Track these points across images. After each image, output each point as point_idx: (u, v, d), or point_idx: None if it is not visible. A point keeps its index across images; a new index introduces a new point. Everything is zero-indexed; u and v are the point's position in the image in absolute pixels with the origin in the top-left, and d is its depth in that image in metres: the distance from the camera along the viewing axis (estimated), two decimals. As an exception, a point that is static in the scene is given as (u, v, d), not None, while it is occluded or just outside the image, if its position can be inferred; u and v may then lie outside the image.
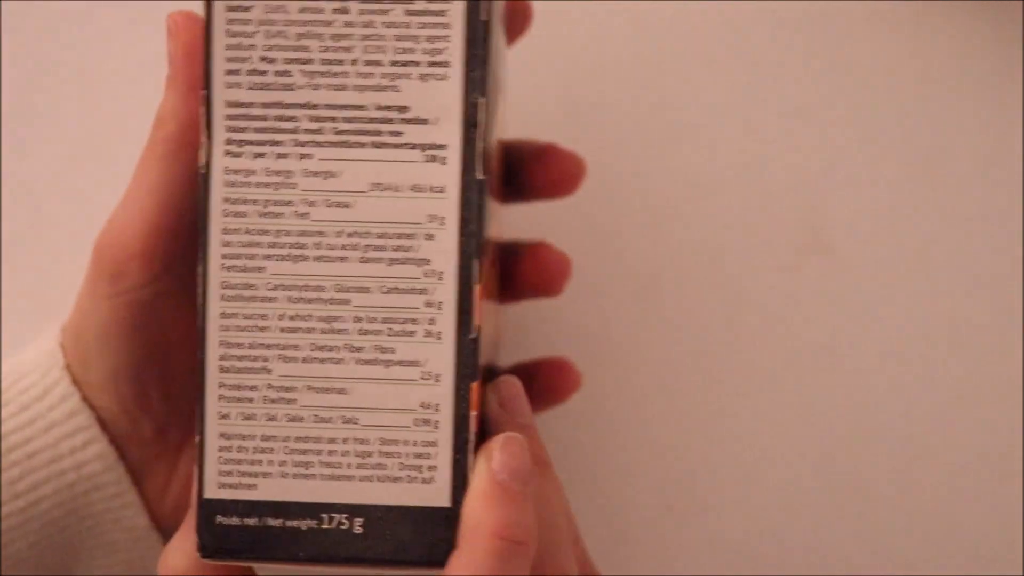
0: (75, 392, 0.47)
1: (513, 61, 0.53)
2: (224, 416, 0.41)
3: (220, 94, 0.41)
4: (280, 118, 0.41)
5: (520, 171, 0.51)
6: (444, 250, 0.41)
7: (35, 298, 0.56)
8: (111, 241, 0.45)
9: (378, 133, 0.41)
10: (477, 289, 0.41)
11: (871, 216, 0.57)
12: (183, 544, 0.42)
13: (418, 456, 0.41)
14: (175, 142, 0.43)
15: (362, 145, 0.41)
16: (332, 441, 0.41)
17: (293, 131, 0.41)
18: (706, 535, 0.57)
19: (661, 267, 0.57)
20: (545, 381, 0.52)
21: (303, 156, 0.41)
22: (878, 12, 0.57)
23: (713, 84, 0.57)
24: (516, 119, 0.55)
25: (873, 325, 0.57)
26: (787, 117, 0.57)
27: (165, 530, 0.48)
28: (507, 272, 0.51)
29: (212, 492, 0.41)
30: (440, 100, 0.41)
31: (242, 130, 0.41)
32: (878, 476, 0.56)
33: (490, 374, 0.47)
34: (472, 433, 0.41)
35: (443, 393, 0.41)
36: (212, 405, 0.41)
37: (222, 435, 0.41)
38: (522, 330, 0.57)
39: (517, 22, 0.51)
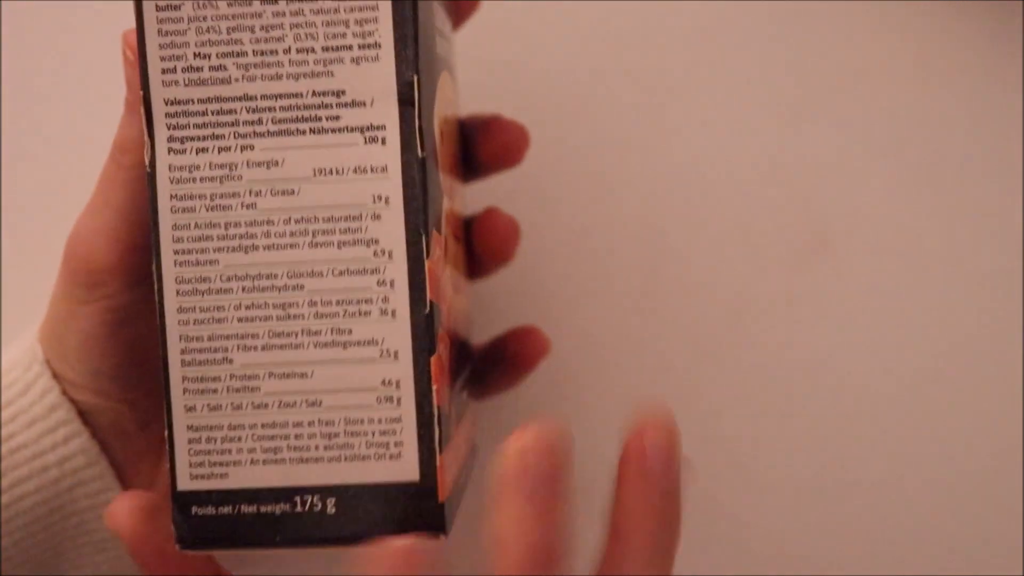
0: (55, 386, 0.48)
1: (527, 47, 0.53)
2: (190, 408, 0.42)
3: (158, 93, 0.42)
4: (219, 112, 0.42)
5: (469, 146, 0.51)
6: (391, 229, 0.41)
7: (33, 298, 0.56)
8: (84, 254, 0.45)
9: (317, 119, 0.41)
10: (427, 264, 0.41)
11: (871, 216, 0.56)
12: None
13: (383, 433, 0.42)
14: (141, 168, 0.44)
15: (302, 132, 0.41)
16: (298, 425, 0.42)
17: (233, 124, 0.42)
18: (704, 536, 0.57)
19: (661, 268, 0.57)
20: (514, 349, 0.52)
21: (245, 148, 0.42)
22: (878, 12, 0.56)
23: (713, 84, 0.57)
24: (520, 113, 0.55)
25: (873, 324, 0.56)
26: (787, 116, 0.56)
27: None
28: (467, 246, 0.52)
29: (185, 484, 0.42)
30: (374, 81, 0.41)
31: (183, 127, 0.42)
32: (878, 476, 0.56)
33: (464, 350, 0.48)
34: (435, 406, 0.41)
35: (403, 369, 0.42)
36: (177, 399, 0.42)
37: (190, 427, 0.42)
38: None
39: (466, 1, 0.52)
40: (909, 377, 0.56)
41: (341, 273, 0.42)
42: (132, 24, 0.55)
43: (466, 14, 0.52)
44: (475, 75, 0.55)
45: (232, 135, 0.42)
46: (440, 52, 0.45)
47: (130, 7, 0.57)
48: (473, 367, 0.51)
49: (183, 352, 0.42)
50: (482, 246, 0.51)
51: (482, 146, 0.51)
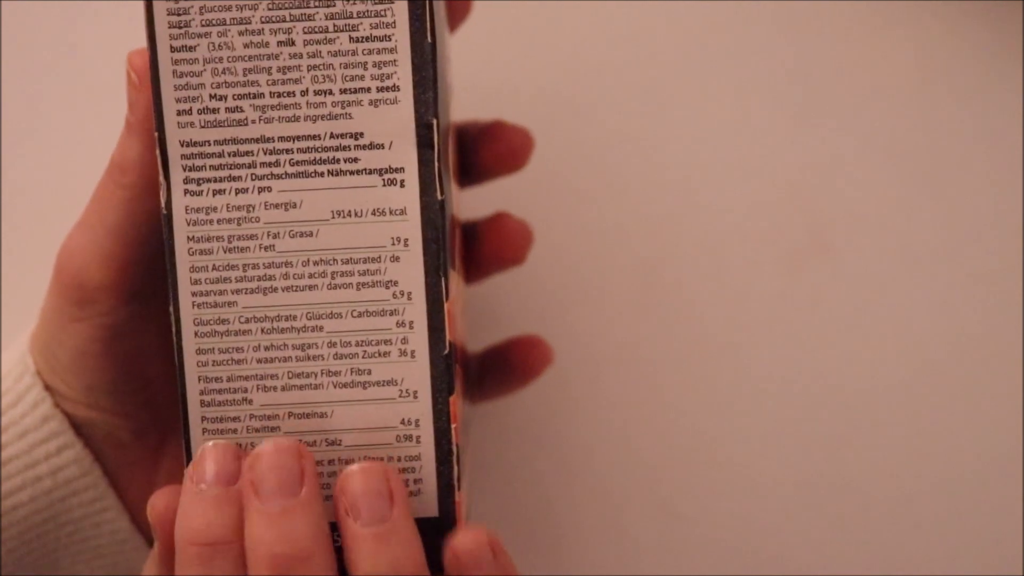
0: (47, 397, 0.47)
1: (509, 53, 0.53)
2: None
3: (173, 134, 0.41)
4: (236, 153, 0.41)
5: (469, 152, 0.51)
6: (410, 271, 0.42)
7: (29, 306, 0.56)
8: (76, 271, 0.45)
9: (335, 161, 0.41)
10: (447, 306, 0.42)
11: (870, 216, 0.56)
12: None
13: (403, 471, 0.42)
14: (139, 188, 0.43)
15: (320, 174, 0.41)
16: (318, 464, 0.42)
17: (250, 165, 0.41)
18: (703, 536, 0.57)
19: (660, 269, 0.57)
20: (518, 359, 0.52)
21: (262, 189, 0.41)
22: (878, 12, 0.56)
23: (712, 84, 0.56)
24: (517, 115, 0.54)
25: (872, 325, 0.56)
26: (786, 117, 0.56)
27: (149, 533, 0.49)
28: (470, 251, 0.52)
29: None
30: (393, 124, 0.41)
31: (199, 168, 0.41)
32: (877, 476, 0.57)
33: (466, 360, 0.48)
34: (454, 444, 0.42)
35: (422, 409, 0.42)
36: (197, 439, 0.42)
37: None
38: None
39: (458, 9, 0.51)
40: (908, 378, 0.57)
41: (360, 314, 0.42)
42: (134, 34, 0.54)
43: (460, 18, 0.51)
44: (472, 76, 0.55)
45: (249, 176, 0.41)
46: (450, 80, 0.45)
47: (131, 15, 0.55)
48: (471, 373, 0.52)
49: (202, 393, 0.42)
50: (492, 251, 0.51)
51: (485, 151, 0.51)
